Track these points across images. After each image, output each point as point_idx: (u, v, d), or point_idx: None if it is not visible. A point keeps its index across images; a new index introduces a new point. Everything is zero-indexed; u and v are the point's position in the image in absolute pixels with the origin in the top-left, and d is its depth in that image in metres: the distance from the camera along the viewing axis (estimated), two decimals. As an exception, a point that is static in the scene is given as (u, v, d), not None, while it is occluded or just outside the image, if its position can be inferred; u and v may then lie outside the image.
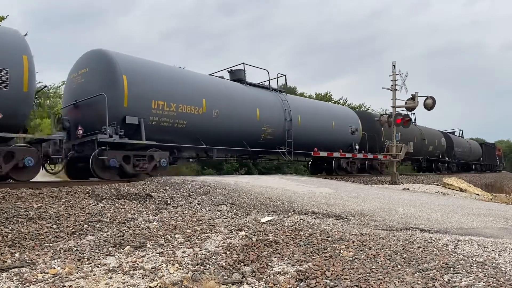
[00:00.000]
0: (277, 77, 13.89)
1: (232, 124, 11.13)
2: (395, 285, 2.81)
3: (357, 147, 16.23)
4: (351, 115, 17.07)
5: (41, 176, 7.89)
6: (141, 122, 8.77)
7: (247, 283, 3.05)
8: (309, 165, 17.38)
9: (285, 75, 14.26)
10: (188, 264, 3.48)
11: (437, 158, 25.15)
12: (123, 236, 4.42)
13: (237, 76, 12.78)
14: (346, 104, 33.11)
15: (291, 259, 3.50)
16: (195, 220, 5.23)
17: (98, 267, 3.41)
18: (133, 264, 3.47)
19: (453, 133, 30.99)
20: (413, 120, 22.27)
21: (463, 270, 3.06)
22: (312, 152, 14.10)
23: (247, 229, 4.57)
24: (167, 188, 7.35)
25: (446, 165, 26.68)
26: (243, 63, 13.03)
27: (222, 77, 12.41)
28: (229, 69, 13.06)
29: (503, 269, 3.10)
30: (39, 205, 5.39)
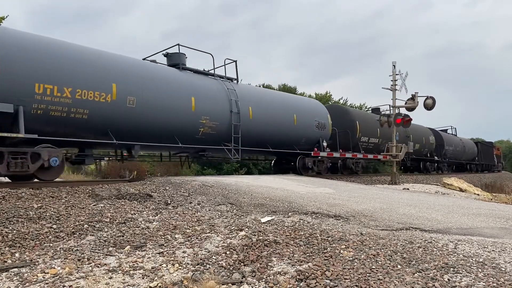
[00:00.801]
0: (224, 64, 11.84)
1: (156, 115, 9.13)
2: (395, 285, 2.81)
3: (325, 144, 14.39)
4: (318, 108, 15.03)
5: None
6: (19, 111, 7.00)
7: (247, 283, 3.05)
8: (272, 164, 15.64)
9: (235, 61, 12.03)
10: (188, 264, 3.48)
11: (425, 157, 23.08)
12: (123, 236, 4.42)
13: (174, 60, 10.73)
14: (346, 104, 32.94)
15: (291, 259, 3.50)
16: (195, 220, 5.23)
17: (98, 267, 3.41)
18: (133, 264, 3.47)
19: (445, 131, 28.80)
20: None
21: (463, 270, 3.06)
22: (269, 149, 12.40)
23: (247, 229, 4.57)
24: (167, 188, 7.35)
25: (436, 164, 24.75)
26: (178, 44, 10.74)
27: (154, 61, 10.45)
28: (164, 52, 10.90)
29: (503, 269, 3.10)
30: (39, 205, 5.39)
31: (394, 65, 15.76)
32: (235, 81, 12.15)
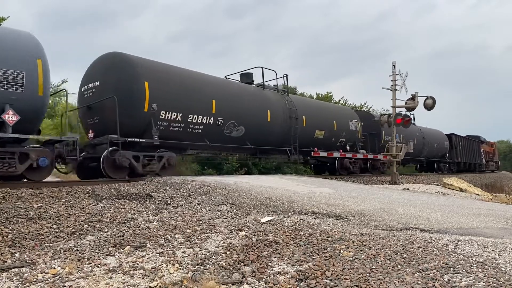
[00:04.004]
0: None
1: None
2: (395, 285, 2.81)
3: (11, 118, 6.95)
4: None
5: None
6: None
7: (247, 283, 3.05)
8: None
9: None
10: (188, 264, 3.48)
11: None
12: (123, 236, 4.42)
13: None
14: (347, 104, 32.60)
15: (291, 259, 3.50)
16: (195, 220, 5.23)
17: (98, 267, 3.41)
18: (133, 264, 3.47)
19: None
20: (281, 87, 13.66)
21: (463, 270, 3.06)
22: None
23: (247, 229, 4.57)
24: (167, 188, 7.35)
25: (368, 163, 16.96)
26: None
27: None
28: None
29: (503, 269, 3.10)
30: (39, 205, 5.39)
31: (394, 65, 15.78)
32: None
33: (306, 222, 4.92)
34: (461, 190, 14.33)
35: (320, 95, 33.87)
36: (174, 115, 9.62)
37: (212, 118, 10.46)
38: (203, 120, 10.27)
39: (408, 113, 16.18)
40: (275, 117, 12.55)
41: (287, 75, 14.05)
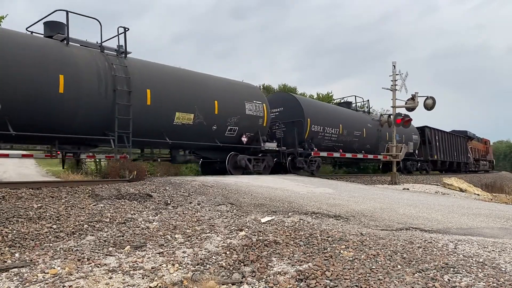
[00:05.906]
0: None
1: None
2: (395, 285, 2.81)
3: None
4: None
5: (41, 175, 7.88)
6: None
7: (247, 283, 3.05)
8: None
9: None
10: (188, 264, 3.48)
11: (227, 145, 10.97)
12: (123, 236, 4.42)
13: None
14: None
15: (291, 259, 3.50)
16: (195, 220, 5.23)
17: (98, 267, 3.41)
18: (133, 264, 3.47)
19: (346, 104, 17.13)
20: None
21: (463, 270, 3.06)
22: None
23: (247, 229, 4.57)
24: (167, 188, 7.35)
25: (288, 161, 13.00)
26: None
27: None
28: None
29: (503, 269, 3.10)
30: (39, 205, 5.39)
31: (394, 65, 15.78)
32: None
33: (306, 222, 4.92)
34: (461, 190, 14.33)
35: (320, 95, 33.88)
36: None
37: None
38: None
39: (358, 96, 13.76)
40: (79, 87, 8.01)
41: (126, 29, 9.36)
